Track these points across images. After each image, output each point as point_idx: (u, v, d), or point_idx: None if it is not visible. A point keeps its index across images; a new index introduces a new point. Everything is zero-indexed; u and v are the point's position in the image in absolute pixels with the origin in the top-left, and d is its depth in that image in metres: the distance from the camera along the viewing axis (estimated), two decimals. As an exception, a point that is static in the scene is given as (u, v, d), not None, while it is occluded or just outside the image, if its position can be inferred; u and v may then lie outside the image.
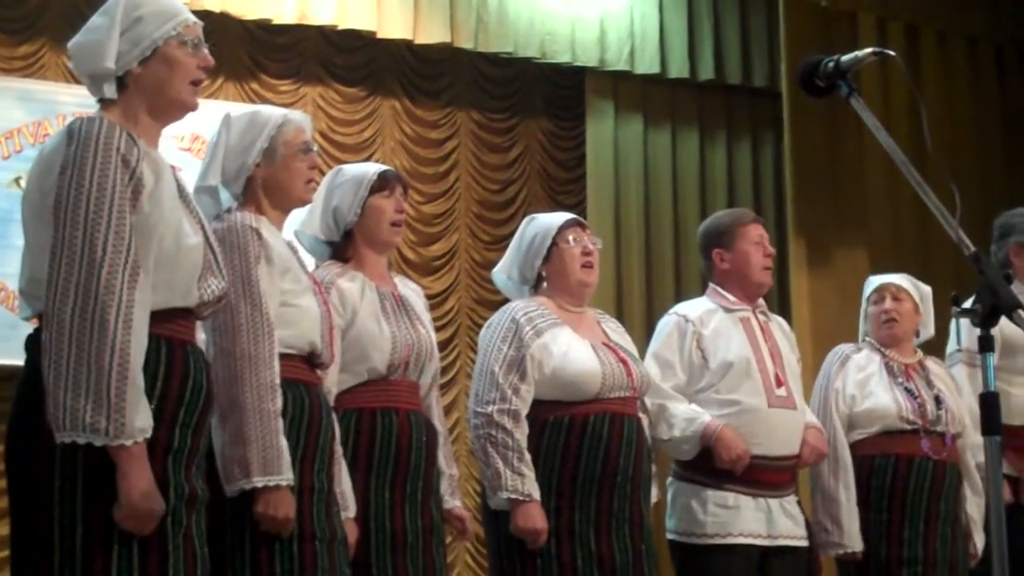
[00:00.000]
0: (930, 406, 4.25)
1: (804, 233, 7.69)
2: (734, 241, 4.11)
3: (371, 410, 3.35)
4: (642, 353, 3.95)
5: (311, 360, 3.08)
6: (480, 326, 4.02)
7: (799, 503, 4.03)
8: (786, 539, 3.92)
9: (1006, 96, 8.37)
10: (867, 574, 4.19)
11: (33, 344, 2.50)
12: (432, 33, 7.83)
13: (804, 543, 3.98)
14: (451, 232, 8.30)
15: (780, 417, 3.95)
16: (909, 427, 4.21)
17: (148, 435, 2.41)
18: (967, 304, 2.25)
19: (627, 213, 8.41)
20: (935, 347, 4.59)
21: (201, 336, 2.80)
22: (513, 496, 3.51)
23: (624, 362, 3.70)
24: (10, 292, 6.90)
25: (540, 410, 3.62)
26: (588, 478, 3.57)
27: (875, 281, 4.47)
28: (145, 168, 2.52)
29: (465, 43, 7.95)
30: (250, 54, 7.84)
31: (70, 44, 2.68)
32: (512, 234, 4.00)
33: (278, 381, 2.88)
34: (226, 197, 3.15)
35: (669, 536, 3.97)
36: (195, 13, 2.77)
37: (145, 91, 2.62)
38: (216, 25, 6.80)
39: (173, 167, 2.66)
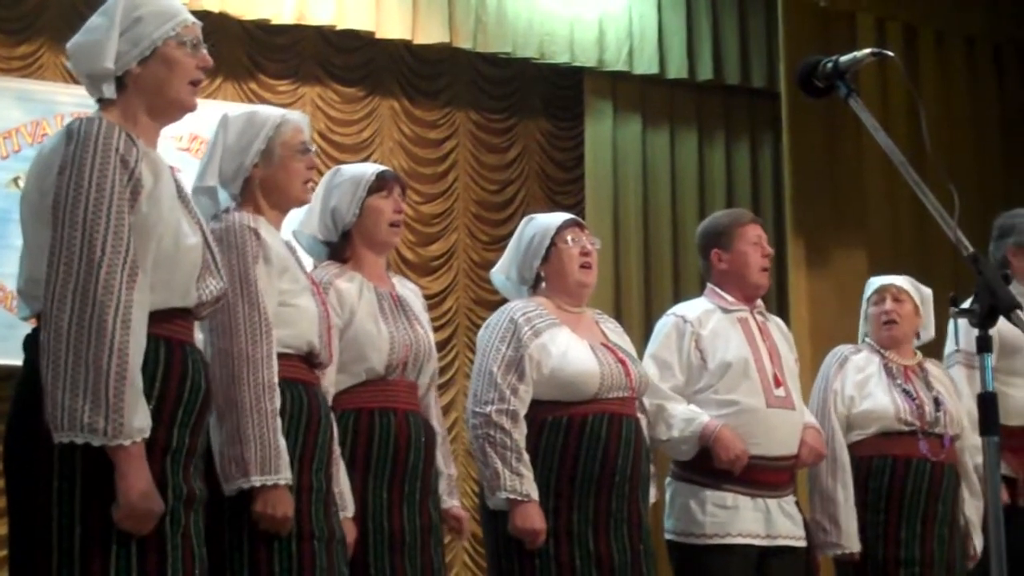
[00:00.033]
0: (928, 408, 4.24)
1: (803, 233, 7.69)
2: (732, 241, 4.11)
3: (369, 410, 3.35)
4: (640, 353, 3.94)
5: (309, 360, 3.08)
6: (478, 326, 4.01)
7: (797, 503, 4.03)
8: (785, 539, 3.91)
9: (1004, 96, 8.37)
10: (864, 574, 4.19)
11: (31, 344, 2.49)
12: (431, 33, 7.83)
13: (803, 543, 3.98)
14: (449, 232, 8.29)
15: (778, 417, 3.95)
16: (907, 429, 4.21)
17: (146, 435, 2.41)
18: (965, 305, 2.25)
19: (626, 213, 8.40)
20: (934, 347, 4.59)
21: (199, 336, 2.80)
22: (511, 496, 3.50)
23: (623, 362, 3.70)
24: (8, 292, 6.89)
25: (538, 410, 3.62)
26: (586, 478, 3.57)
27: (876, 282, 4.46)
28: (144, 168, 2.52)
29: (464, 43, 7.95)
30: (249, 54, 7.83)
31: (69, 44, 2.68)
32: (510, 234, 3.99)
33: (276, 380, 2.88)
34: (224, 197, 3.14)
35: (667, 536, 3.97)
36: (194, 13, 2.77)
37: (144, 91, 2.62)
38: (215, 25, 6.80)
39: (172, 167, 2.66)
